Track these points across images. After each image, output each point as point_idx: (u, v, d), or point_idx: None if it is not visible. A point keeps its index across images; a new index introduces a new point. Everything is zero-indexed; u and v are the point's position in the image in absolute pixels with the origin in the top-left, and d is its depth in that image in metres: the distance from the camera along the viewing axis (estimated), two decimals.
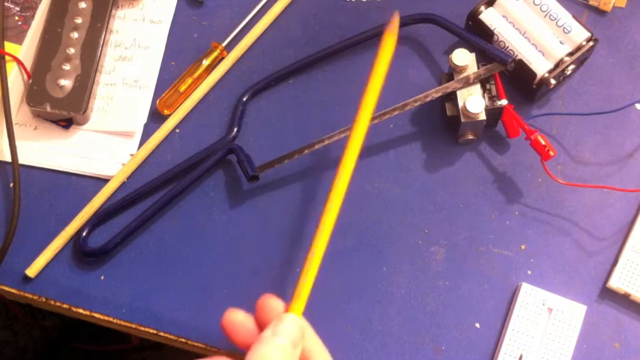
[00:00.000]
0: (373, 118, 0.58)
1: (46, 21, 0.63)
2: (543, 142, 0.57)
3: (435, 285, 0.57)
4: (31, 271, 0.57)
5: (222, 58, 0.63)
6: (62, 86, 0.60)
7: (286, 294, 0.57)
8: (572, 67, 0.60)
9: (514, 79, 0.61)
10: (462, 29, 0.61)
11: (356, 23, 0.64)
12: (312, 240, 0.45)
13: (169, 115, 0.62)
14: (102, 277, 0.58)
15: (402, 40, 0.64)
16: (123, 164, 0.60)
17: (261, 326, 0.42)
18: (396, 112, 0.59)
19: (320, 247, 0.44)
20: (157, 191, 0.60)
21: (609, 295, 0.57)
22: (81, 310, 0.57)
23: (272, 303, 0.43)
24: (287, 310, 0.43)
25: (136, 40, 0.64)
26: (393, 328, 0.56)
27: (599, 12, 0.64)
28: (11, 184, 0.60)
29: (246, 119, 0.62)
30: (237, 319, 0.43)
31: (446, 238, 0.58)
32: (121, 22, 0.65)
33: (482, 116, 0.57)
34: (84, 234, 0.58)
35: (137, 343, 0.91)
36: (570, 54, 0.59)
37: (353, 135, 0.47)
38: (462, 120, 0.57)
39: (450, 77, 0.58)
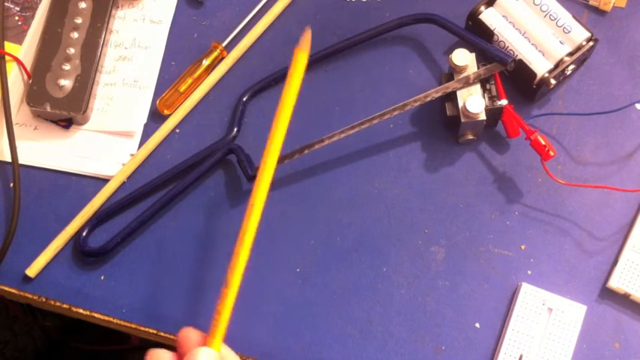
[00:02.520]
0: (373, 118, 0.58)
1: (46, 21, 0.63)
2: (543, 142, 0.57)
3: (435, 285, 0.57)
4: (31, 271, 0.57)
5: (222, 58, 0.63)
6: (62, 86, 0.60)
7: (285, 294, 0.57)
8: (572, 67, 0.60)
9: (514, 79, 0.61)
10: (462, 29, 0.61)
11: (356, 23, 0.64)
12: (230, 271, 0.45)
13: (169, 115, 0.62)
14: (102, 277, 0.58)
15: (402, 40, 0.64)
16: (123, 164, 0.60)
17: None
18: (396, 112, 0.59)
19: (235, 280, 0.44)
20: (157, 191, 0.60)
21: (609, 295, 0.57)
22: (81, 310, 0.57)
23: (190, 336, 0.44)
24: (205, 341, 0.43)
25: (136, 40, 0.64)
26: (393, 328, 0.56)
27: (599, 12, 0.64)
28: (11, 184, 0.60)
29: (246, 119, 0.62)
30: (160, 357, 0.43)
31: (446, 238, 0.58)
32: (121, 22, 0.65)
33: (482, 116, 0.57)
34: (84, 234, 0.58)
35: (137, 343, 0.91)
36: (570, 54, 0.59)
37: (265, 160, 0.46)
38: (462, 120, 0.57)
39: (450, 77, 0.58)
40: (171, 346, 0.58)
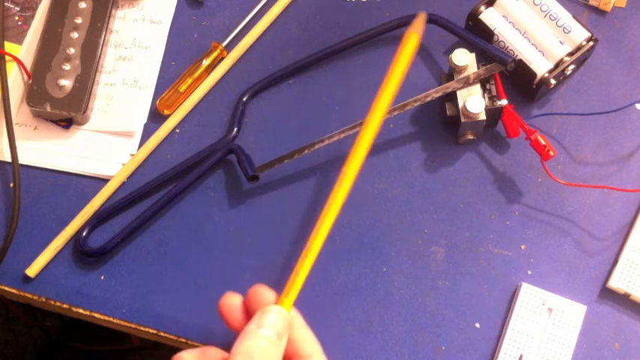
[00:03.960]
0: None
1: (46, 21, 0.63)
2: (543, 142, 0.57)
3: (435, 285, 0.57)
4: (31, 271, 0.57)
5: (222, 58, 0.63)
6: (62, 86, 0.60)
7: None
8: (572, 67, 0.60)
9: (514, 79, 0.61)
10: (462, 29, 0.61)
11: (356, 23, 0.64)
12: (309, 236, 0.44)
13: (169, 115, 0.62)
14: (102, 277, 0.58)
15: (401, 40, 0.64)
16: (123, 164, 0.60)
17: (250, 315, 0.43)
18: (396, 112, 0.59)
19: (317, 243, 0.44)
20: (157, 191, 0.60)
21: (609, 295, 0.57)
22: (81, 310, 0.57)
23: (263, 293, 0.43)
24: (276, 302, 0.43)
25: (136, 40, 0.64)
26: (393, 328, 0.56)
27: (599, 12, 0.64)
28: (11, 184, 0.60)
29: (246, 119, 0.62)
30: (234, 304, 0.43)
31: (446, 238, 0.58)
32: (121, 22, 0.65)
33: (482, 116, 0.57)
34: (84, 234, 0.58)
35: (137, 344, 0.91)
36: (570, 54, 0.59)
37: (363, 134, 0.45)
38: (462, 120, 0.57)
39: (450, 77, 0.58)
40: (171, 346, 0.58)
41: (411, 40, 0.46)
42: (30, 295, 0.57)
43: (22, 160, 0.60)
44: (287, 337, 0.42)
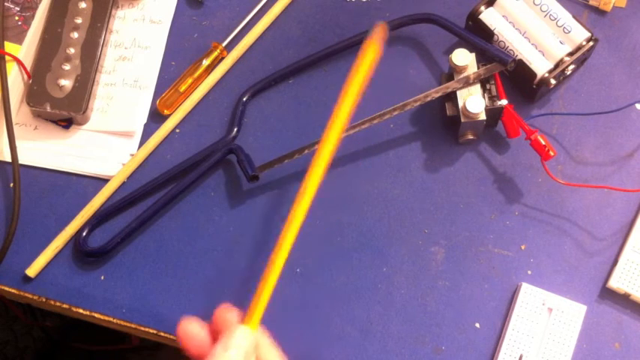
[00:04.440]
0: (373, 118, 0.58)
1: (46, 21, 0.63)
2: (543, 142, 0.57)
3: (435, 285, 0.57)
4: (31, 271, 0.57)
5: (222, 58, 0.63)
6: (62, 86, 0.60)
7: (286, 294, 0.57)
8: (572, 67, 0.60)
9: (514, 79, 0.61)
10: (462, 29, 0.61)
11: (356, 23, 0.64)
12: (273, 252, 0.44)
13: (169, 115, 0.62)
14: (102, 277, 0.58)
15: (402, 40, 0.64)
16: (123, 164, 0.60)
17: (216, 336, 0.43)
18: (396, 112, 0.59)
19: (279, 262, 0.44)
20: (157, 191, 0.60)
21: (609, 295, 0.57)
22: (81, 310, 0.57)
23: (227, 315, 0.43)
24: (242, 321, 0.43)
25: (136, 40, 0.64)
26: (393, 328, 0.56)
27: (599, 12, 0.64)
28: (11, 184, 0.60)
29: (246, 119, 0.62)
30: (191, 330, 0.43)
31: (446, 238, 0.58)
32: (121, 22, 0.65)
33: (482, 116, 0.57)
34: (84, 234, 0.58)
35: (137, 343, 0.91)
36: (570, 54, 0.59)
37: (321, 149, 0.44)
38: (462, 120, 0.57)
39: (450, 77, 0.58)
40: (171, 346, 0.59)
41: (371, 51, 0.45)
42: (30, 295, 0.57)
43: (22, 160, 0.60)
44: (254, 358, 0.42)
